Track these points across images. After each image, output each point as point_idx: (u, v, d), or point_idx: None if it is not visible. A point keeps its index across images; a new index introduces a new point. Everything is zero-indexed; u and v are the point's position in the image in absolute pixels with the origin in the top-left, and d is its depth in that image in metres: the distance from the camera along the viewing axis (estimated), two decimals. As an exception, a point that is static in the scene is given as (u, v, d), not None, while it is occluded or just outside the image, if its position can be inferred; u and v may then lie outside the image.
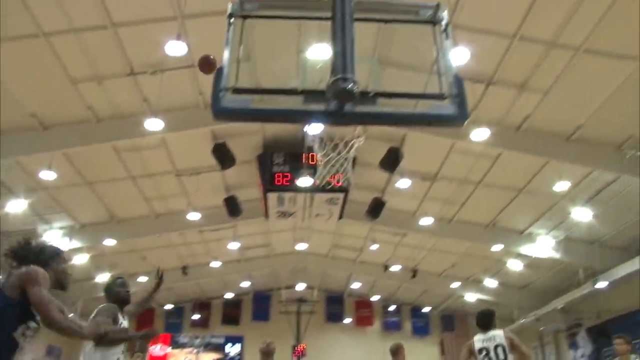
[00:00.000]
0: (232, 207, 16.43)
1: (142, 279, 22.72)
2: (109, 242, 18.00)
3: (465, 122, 3.95)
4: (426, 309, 28.64)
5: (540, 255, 18.69)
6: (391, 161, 14.51)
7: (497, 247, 18.93)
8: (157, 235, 18.95)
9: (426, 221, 17.34)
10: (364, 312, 29.49)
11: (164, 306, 28.62)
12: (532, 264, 20.43)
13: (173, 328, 29.57)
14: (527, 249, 18.79)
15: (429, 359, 27.90)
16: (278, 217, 17.14)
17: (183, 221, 17.55)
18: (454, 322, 29.29)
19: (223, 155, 14.26)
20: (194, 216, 16.93)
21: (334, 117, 3.72)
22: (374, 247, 20.60)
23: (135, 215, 17.78)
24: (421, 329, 28.81)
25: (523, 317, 23.44)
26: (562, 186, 14.59)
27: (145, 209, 17.34)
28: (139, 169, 15.27)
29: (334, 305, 29.53)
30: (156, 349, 29.85)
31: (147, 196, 16.68)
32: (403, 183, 15.59)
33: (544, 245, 18.45)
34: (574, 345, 23.23)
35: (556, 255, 18.39)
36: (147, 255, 20.79)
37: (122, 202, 16.89)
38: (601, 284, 18.18)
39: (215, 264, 21.56)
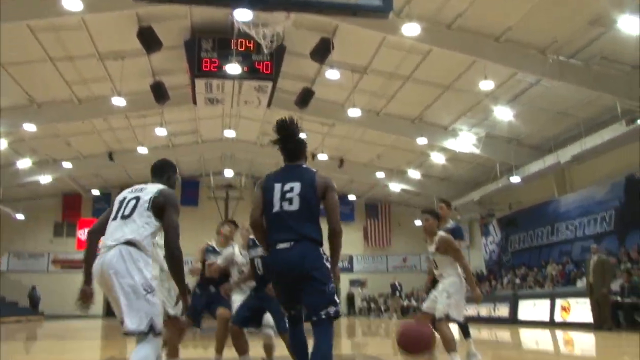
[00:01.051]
0: (159, 92, 16.07)
1: (67, 165, 22.29)
2: (29, 127, 17.37)
3: (390, 14, 3.98)
4: (352, 197, 29.64)
5: (461, 149, 19.60)
6: (322, 52, 14.44)
7: (421, 141, 19.56)
8: (80, 121, 18.39)
9: (354, 112, 17.54)
10: (292, 199, 30.21)
11: (90, 191, 28.33)
12: (454, 157, 21.38)
13: (100, 213, 29.44)
14: (449, 143, 19.61)
15: (352, 244, 29.32)
16: (206, 103, 16.95)
17: (108, 106, 17.01)
18: (377, 210, 30.65)
19: (149, 39, 13.73)
20: (119, 101, 16.41)
21: (258, 3, 3.68)
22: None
23: (56, 99, 17.10)
24: (346, 215, 29.92)
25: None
26: (486, 85, 15.05)
27: (66, 93, 16.67)
28: (58, 51, 14.51)
29: (263, 192, 30.10)
30: (84, 234, 29.92)
31: (68, 80, 15.98)
32: (333, 74, 15.59)
33: (465, 141, 19.32)
34: (486, 233, 24.98)
35: (476, 150, 19.33)
36: (71, 141, 20.25)
37: (41, 85, 16.13)
38: (515, 179, 19.43)
39: (143, 150, 21.29)
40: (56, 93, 16.70)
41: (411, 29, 12.54)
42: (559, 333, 11.89)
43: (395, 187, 25.76)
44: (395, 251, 30.24)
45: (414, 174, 24.18)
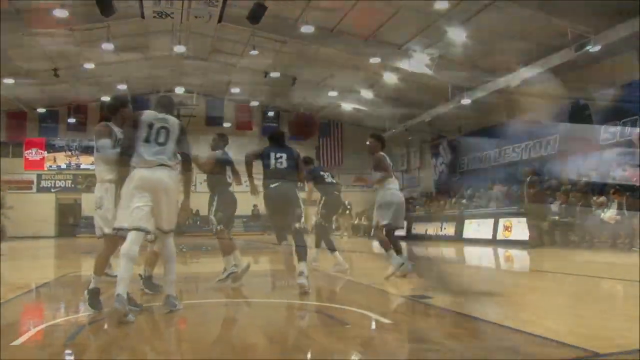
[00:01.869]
0: (105, 5, 15.29)
1: (8, 81, 21.42)
2: (-34, 41, 16.43)
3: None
4: (304, 116, 29.54)
5: (414, 70, 19.54)
6: (275, -35, 13.95)
7: (375, 60, 19.46)
8: (20, 34, 17.47)
9: (307, 29, 17.23)
10: (244, 116, 30.05)
11: (36, 109, 27.38)
12: (407, 78, 21.36)
13: (48, 132, 28.67)
14: (403, 63, 19.52)
15: (305, 163, 29.54)
16: (155, 17, 16.30)
17: (49, 18, 16.14)
18: (329, 130, 30.75)
19: (91, -53, 12.95)
20: (61, 13, 15.60)
21: None
22: (254, 53, 20.43)
23: (-9, 9, 16.12)
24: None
25: (394, 128, 25.06)
26: (441, 5, 14.92)
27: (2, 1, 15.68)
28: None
29: (214, 110, 29.73)
30: (32, 154, 29.18)
31: (3, -12, 15.03)
32: (286, -12, 15.17)
33: (419, 61, 19.24)
34: (436, 155, 25.54)
35: (429, 71, 19.31)
36: (11, 56, 19.31)
37: (-26, -7, 15.12)
38: (466, 101, 19.70)
39: (89, 66, 20.54)
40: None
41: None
42: (500, 250, 12.52)
43: (348, 106, 25.79)
44: (346, 170, 30.62)
45: (367, 94, 24.17)
